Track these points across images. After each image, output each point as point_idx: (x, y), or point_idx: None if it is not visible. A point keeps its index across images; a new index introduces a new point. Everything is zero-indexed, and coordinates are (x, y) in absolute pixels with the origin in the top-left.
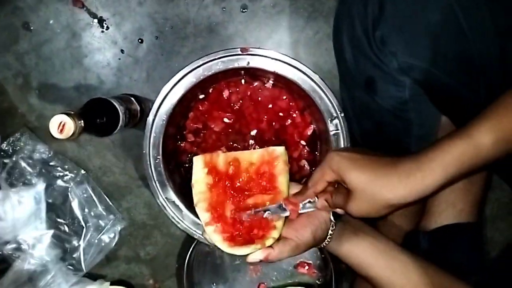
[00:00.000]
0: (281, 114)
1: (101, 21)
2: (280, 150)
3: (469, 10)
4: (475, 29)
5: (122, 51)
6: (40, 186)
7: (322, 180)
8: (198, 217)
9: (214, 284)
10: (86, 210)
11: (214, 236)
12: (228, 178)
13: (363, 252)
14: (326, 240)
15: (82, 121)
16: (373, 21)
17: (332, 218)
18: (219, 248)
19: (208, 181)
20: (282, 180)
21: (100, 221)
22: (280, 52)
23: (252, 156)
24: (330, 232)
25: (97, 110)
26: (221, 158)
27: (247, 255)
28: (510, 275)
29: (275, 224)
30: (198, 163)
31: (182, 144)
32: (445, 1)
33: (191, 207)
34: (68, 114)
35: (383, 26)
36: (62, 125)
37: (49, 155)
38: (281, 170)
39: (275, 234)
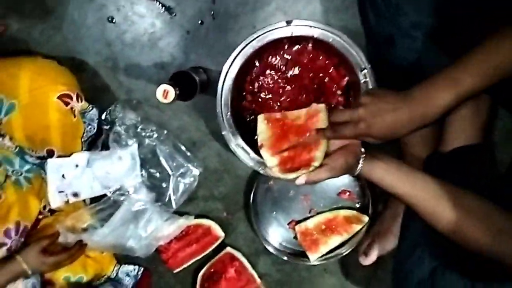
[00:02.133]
0: (320, 70)
1: (169, 9)
2: (321, 106)
3: None
4: None
5: (187, 32)
6: (134, 145)
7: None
8: (261, 157)
9: (274, 212)
10: (170, 161)
11: (274, 167)
12: (283, 128)
13: (391, 175)
14: (358, 167)
15: (178, 89)
16: None
17: (362, 149)
18: (277, 178)
19: (269, 129)
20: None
21: (182, 169)
22: (315, 20)
23: (300, 112)
24: (361, 161)
25: (182, 80)
26: (278, 114)
27: (296, 178)
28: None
29: (316, 155)
30: (261, 118)
31: (243, 103)
32: None
33: (255, 150)
34: (169, 84)
35: None
36: (166, 92)
37: (138, 120)
38: (322, 121)
39: (316, 163)
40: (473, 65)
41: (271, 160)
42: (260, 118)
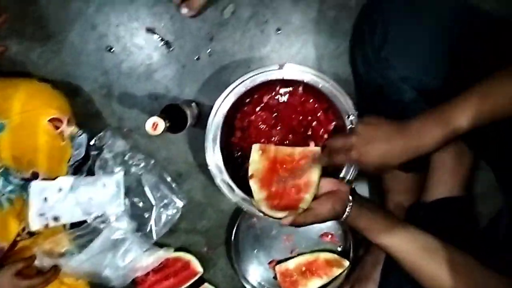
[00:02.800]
0: (308, 113)
1: (167, 43)
2: (317, 149)
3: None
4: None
5: (183, 66)
6: (120, 173)
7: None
8: (247, 194)
9: (256, 250)
10: (155, 191)
11: (261, 202)
12: (275, 162)
13: (377, 225)
14: (345, 214)
15: (168, 122)
16: (379, 45)
17: (350, 197)
18: (261, 214)
19: (261, 161)
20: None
21: (165, 200)
22: (307, 66)
23: (295, 150)
24: (348, 208)
25: (173, 113)
26: (272, 147)
27: (281, 218)
28: (494, 239)
29: (305, 197)
30: (256, 147)
31: (232, 139)
32: (432, 32)
33: (240, 187)
34: (159, 117)
35: (386, 49)
36: (155, 125)
37: (127, 149)
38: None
39: (303, 205)
40: (467, 106)
41: (259, 193)
42: (255, 147)
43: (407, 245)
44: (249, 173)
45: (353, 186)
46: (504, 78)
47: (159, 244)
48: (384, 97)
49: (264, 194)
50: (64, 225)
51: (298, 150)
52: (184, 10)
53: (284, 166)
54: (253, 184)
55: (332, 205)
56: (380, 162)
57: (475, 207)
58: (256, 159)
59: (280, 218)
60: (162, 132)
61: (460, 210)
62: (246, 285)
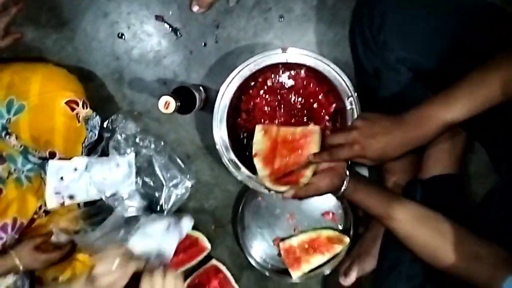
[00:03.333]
0: (310, 96)
1: (175, 30)
2: (316, 128)
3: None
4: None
5: (191, 52)
6: (131, 154)
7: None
8: (252, 172)
9: (260, 228)
10: (165, 172)
11: (265, 178)
12: (277, 141)
13: (372, 198)
14: (343, 187)
15: (179, 102)
16: (378, 28)
17: (347, 172)
18: (265, 190)
19: (264, 141)
20: (314, 146)
21: (175, 180)
22: (309, 50)
23: (296, 130)
24: (345, 182)
25: (183, 95)
26: (274, 128)
27: (284, 192)
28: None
29: (305, 173)
30: (259, 128)
31: (238, 120)
32: (429, 16)
33: (245, 165)
34: (171, 96)
35: (384, 31)
36: (167, 104)
37: (137, 131)
38: (315, 142)
39: (304, 180)
40: (462, 95)
41: (263, 171)
42: (258, 128)
43: (401, 216)
44: (253, 152)
45: (349, 163)
46: (493, 68)
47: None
48: (382, 78)
49: (267, 171)
50: (78, 205)
51: (298, 130)
52: (195, 8)
53: (286, 144)
54: (257, 162)
55: (331, 180)
56: (381, 154)
57: (470, 186)
58: (259, 139)
59: (283, 192)
60: (173, 111)
61: (454, 187)
62: (251, 260)
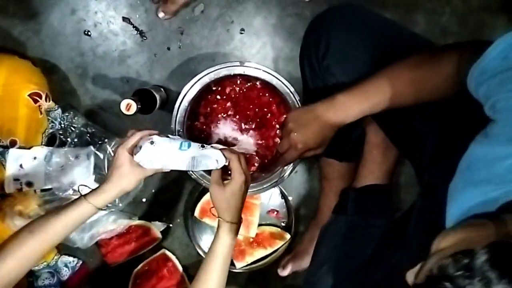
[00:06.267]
0: (264, 106)
1: (141, 33)
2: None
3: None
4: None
5: (155, 55)
6: (90, 147)
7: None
8: (205, 172)
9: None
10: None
11: None
12: None
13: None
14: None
15: (139, 104)
16: (323, 54)
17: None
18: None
19: None
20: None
21: None
22: (265, 65)
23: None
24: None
25: (144, 96)
26: None
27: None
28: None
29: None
30: None
31: (195, 123)
32: (365, 45)
33: None
34: (132, 99)
35: (328, 58)
36: (129, 106)
37: (96, 126)
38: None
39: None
40: (379, 85)
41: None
42: None
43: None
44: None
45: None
46: (404, 65)
47: (124, 213)
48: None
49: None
50: (34, 191)
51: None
52: (161, 14)
53: None
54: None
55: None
56: (321, 138)
57: (399, 195)
58: None
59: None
60: (134, 113)
61: (382, 196)
62: (199, 251)
